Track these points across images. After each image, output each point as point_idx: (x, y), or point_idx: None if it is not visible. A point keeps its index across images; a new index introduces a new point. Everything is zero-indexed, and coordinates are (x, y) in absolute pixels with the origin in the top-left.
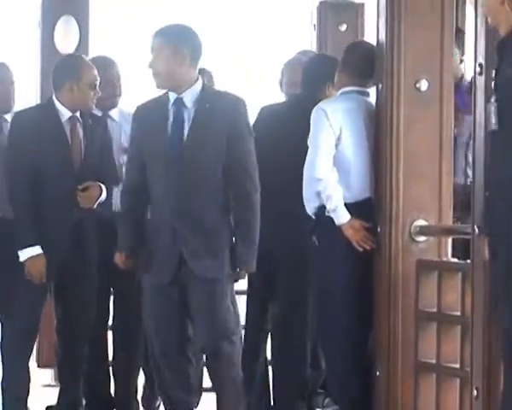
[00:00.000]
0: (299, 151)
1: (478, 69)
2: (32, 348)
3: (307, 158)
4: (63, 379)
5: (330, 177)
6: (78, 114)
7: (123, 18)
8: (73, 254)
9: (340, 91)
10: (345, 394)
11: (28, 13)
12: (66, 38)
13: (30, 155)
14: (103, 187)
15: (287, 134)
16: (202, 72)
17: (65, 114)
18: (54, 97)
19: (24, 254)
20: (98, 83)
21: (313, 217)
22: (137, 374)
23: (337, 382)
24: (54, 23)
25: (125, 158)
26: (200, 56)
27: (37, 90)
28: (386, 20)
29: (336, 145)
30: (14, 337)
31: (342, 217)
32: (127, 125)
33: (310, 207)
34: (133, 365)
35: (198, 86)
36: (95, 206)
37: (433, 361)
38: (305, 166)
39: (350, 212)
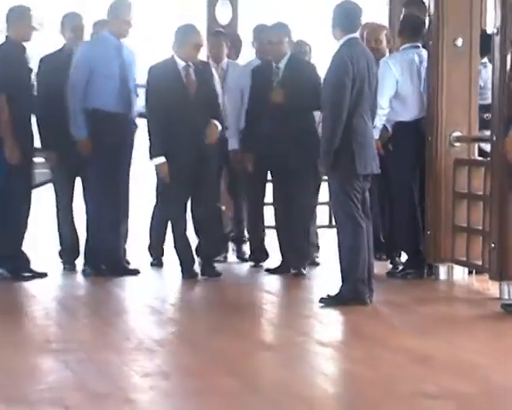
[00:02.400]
0: None
1: (495, 31)
2: (185, 223)
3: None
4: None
5: (387, 109)
6: (190, 63)
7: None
8: (198, 161)
9: (402, 48)
10: (411, 243)
11: None
12: (223, 14)
13: (161, 94)
14: (218, 124)
15: None
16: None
17: (181, 64)
18: (174, 53)
19: (154, 162)
20: (202, 45)
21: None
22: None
23: (405, 235)
24: (215, 3)
25: None
26: None
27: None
28: None
29: (397, 85)
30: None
31: (378, 133)
32: None
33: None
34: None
35: None
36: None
37: (465, 225)
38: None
39: (408, 126)
